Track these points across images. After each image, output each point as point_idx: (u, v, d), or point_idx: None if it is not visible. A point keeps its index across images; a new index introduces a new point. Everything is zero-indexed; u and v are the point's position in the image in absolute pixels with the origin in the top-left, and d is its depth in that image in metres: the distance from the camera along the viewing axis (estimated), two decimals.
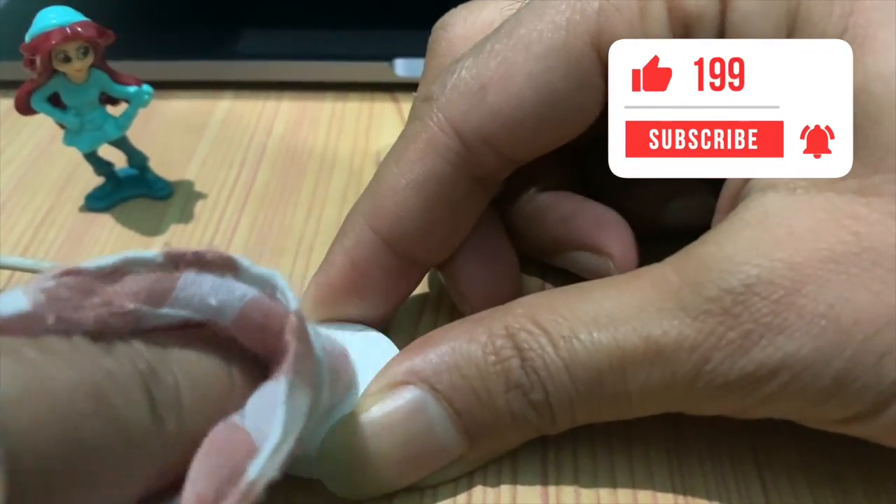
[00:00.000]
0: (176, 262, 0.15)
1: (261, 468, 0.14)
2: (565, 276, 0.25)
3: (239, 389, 0.16)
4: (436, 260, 0.22)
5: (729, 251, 0.17)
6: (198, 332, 0.16)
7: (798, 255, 0.16)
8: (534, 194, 0.24)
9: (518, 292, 0.23)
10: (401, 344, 0.22)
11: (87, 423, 0.13)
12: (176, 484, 0.15)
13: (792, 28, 0.17)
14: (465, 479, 0.20)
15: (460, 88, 0.20)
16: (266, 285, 0.16)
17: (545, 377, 0.18)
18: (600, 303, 0.18)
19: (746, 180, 0.18)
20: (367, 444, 0.18)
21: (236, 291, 0.16)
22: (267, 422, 0.15)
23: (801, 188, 0.17)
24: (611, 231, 0.23)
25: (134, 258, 0.15)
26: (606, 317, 0.17)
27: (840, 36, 0.17)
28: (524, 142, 0.20)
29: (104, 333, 0.15)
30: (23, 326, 0.14)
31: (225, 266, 0.16)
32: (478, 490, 0.19)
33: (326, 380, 0.17)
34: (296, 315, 0.15)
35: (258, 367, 0.17)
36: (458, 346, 0.18)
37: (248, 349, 0.16)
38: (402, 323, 0.24)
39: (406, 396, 0.18)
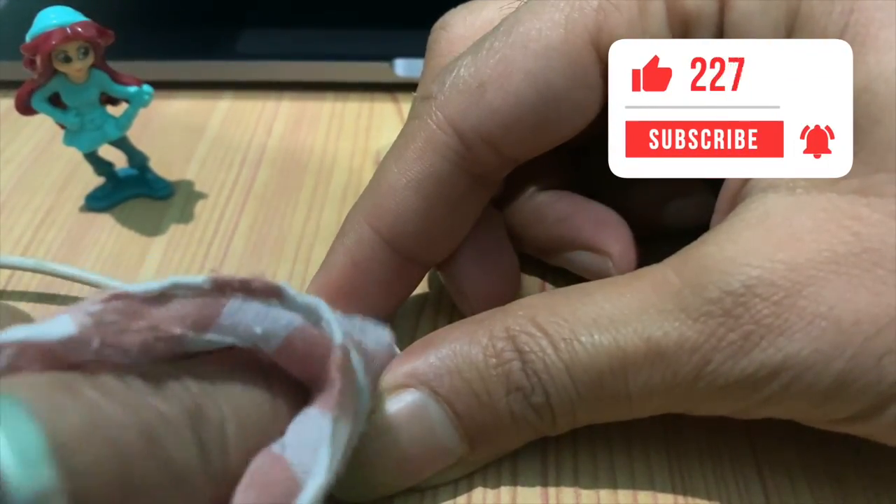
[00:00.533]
0: (222, 288, 0.15)
1: None
2: (565, 275, 0.25)
3: (282, 417, 0.16)
4: (436, 259, 0.22)
5: (730, 252, 0.17)
6: (240, 356, 0.16)
7: (799, 256, 0.16)
8: (533, 194, 0.24)
9: (518, 292, 0.23)
10: (401, 344, 0.22)
11: (140, 463, 0.13)
12: None
13: (792, 27, 0.17)
14: (465, 479, 0.20)
15: (459, 86, 0.20)
16: (311, 314, 0.16)
17: (546, 379, 0.18)
18: (601, 304, 0.18)
19: (746, 180, 0.18)
20: (369, 446, 0.18)
21: (282, 320, 0.16)
22: (310, 456, 0.15)
23: (801, 188, 0.17)
24: (610, 231, 0.23)
25: (181, 283, 0.15)
26: (607, 318, 0.17)
27: (840, 35, 0.17)
28: (523, 140, 0.20)
29: (151, 371, 0.15)
30: (72, 350, 0.14)
31: (271, 293, 0.16)
32: (478, 491, 0.19)
33: (365, 401, 0.17)
34: (341, 348, 0.15)
35: (299, 390, 0.17)
36: (459, 348, 0.18)
37: (290, 373, 0.17)
38: (402, 323, 0.24)
39: (407, 399, 0.18)
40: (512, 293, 0.23)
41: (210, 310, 0.15)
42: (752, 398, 0.17)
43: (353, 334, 0.16)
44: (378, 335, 0.20)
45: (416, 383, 0.18)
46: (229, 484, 0.15)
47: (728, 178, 0.19)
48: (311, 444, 0.15)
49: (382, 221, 0.20)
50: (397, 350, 0.21)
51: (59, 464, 0.12)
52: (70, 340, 0.14)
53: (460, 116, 0.20)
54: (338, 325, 0.16)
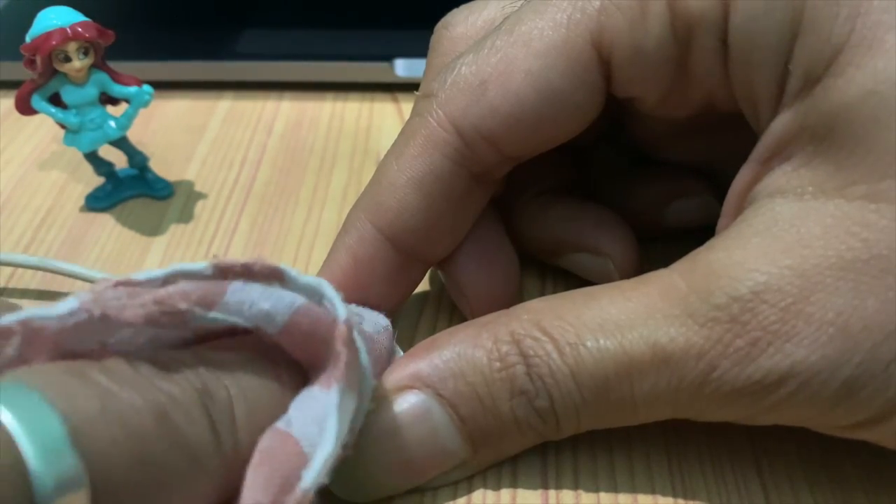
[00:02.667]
0: (224, 273, 0.16)
1: (315, 477, 0.14)
2: (565, 276, 0.25)
3: (288, 399, 0.16)
4: (437, 256, 0.22)
5: (737, 258, 0.17)
6: (245, 343, 0.17)
7: (807, 262, 0.16)
8: (535, 194, 0.24)
9: (518, 292, 0.23)
10: (401, 344, 0.22)
11: (155, 444, 0.14)
12: (232, 498, 0.15)
13: (797, 30, 0.17)
14: (466, 481, 0.20)
15: (460, 84, 0.20)
16: (313, 294, 0.16)
17: (550, 384, 0.18)
18: (607, 309, 0.18)
19: (753, 185, 0.18)
20: (371, 447, 0.18)
21: (286, 299, 0.16)
22: (316, 429, 0.15)
23: (809, 194, 0.17)
24: (611, 233, 0.23)
25: (183, 269, 0.16)
26: (613, 323, 0.17)
27: (847, 37, 0.16)
28: (523, 139, 0.20)
29: (159, 356, 0.15)
30: (77, 340, 0.15)
31: (272, 276, 0.16)
32: (478, 492, 0.19)
33: (368, 378, 0.17)
34: (346, 323, 0.15)
35: (302, 376, 0.17)
36: (463, 351, 0.18)
37: (292, 355, 0.17)
38: (402, 322, 0.24)
39: (411, 401, 0.18)
40: (512, 293, 0.23)
41: (215, 289, 0.15)
42: (758, 405, 0.17)
43: (352, 318, 0.16)
44: (375, 319, 0.20)
45: (420, 385, 0.18)
46: (240, 464, 0.15)
47: (735, 183, 0.19)
48: (318, 418, 0.15)
49: (384, 219, 0.20)
50: (399, 350, 0.21)
51: (78, 450, 0.12)
52: (71, 315, 0.14)
53: (461, 114, 0.20)
54: (341, 303, 0.16)
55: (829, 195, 0.16)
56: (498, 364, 0.18)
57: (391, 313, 0.22)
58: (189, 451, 0.14)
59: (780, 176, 0.17)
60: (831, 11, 0.16)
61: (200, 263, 0.16)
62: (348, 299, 0.21)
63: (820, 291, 0.16)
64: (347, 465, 0.18)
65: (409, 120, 0.21)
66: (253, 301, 0.16)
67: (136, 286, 0.15)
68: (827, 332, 0.16)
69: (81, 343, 0.15)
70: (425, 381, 0.18)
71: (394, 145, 0.21)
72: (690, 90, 0.20)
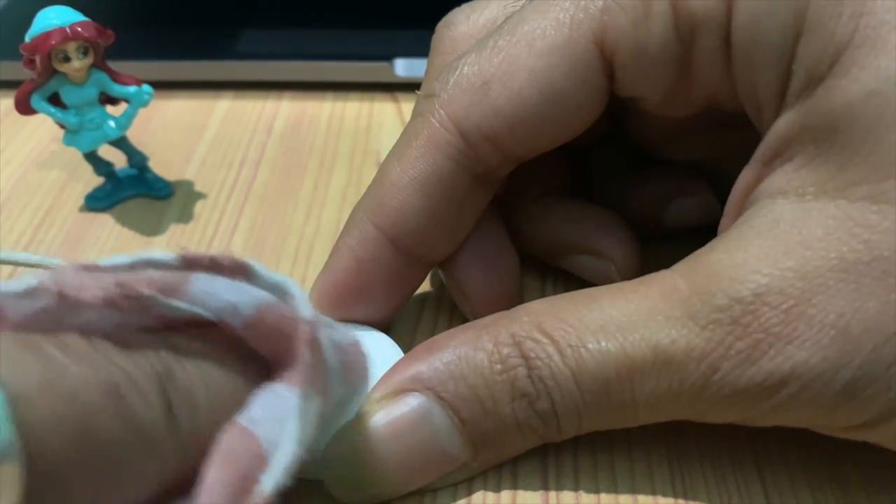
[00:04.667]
0: (191, 264, 0.15)
1: (274, 482, 0.14)
2: (566, 277, 0.25)
3: (251, 390, 0.16)
4: (439, 257, 0.22)
5: (739, 259, 0.17)
6: (208, 331, 0.16)
7: (808, 263, 0.16)
8: (536, 196, 0.24)
9: (518, 292, 0.23)
10: (401, 344, 0.22)
11: (103, 420, 0.13)
12: (188, 483, 0.15)
13: (800, 29, 0.17)
14: (466, 481, 0.20)
15: (462, 84, 0.20)
16: (279, 291, 0.16)
17: (552, 386, 0.18)
18: (608, 311, 0.18)
19: (755, 186, 0.18)
20: (371, 450, 0.18)
21: (251, 293, 0.15)
22: (278, 431, 0.15)
23: (810, 195, 0.17)
24: (612, 235, 0.23)
25: (150, 258, 0.15)
26: (614, 325, 0.17)
27: (850, 37, 0.16)
28: (525, 139, 0.20)
29: (122, 336, 0.15)
30: (37, 322, 0.14)
31: (238, 270, 0.16)
32: (478, 493, 0.19)
33: (336, 382, 0.17)
34: (309, 324, 0.15)
35: (265, 367, 0.17)
36: (464, 353, 0.18)
37: (256, 350, 0.16)
38: (402, 323, 0.24)
39: (411, 403, 0.18)
40: (512, 293, 0.23)
41: (179, 278, 0.15)
42: (760, 407, 0.17)
43: (318, 320, 0.16)
44: (344, 331, 0.19)
45: (420, 388, 0.18)
46: (198, 450, 0.15)
47: (737, 183, 0.19)
48: (278, 418, 0.15)
49: (386, 219, 0.20)
50: (400, 351, 0.21)
51: (16, 419, 0.12)
52: (28, 294, 0.14)
53: (463, 114, 0.20)
54: (306, 302, 0.15)
55: (830, 196, 0.16)
56: (499, 366, 0.18)
57: (391, 317, 0.22)
58: (141, 431, 0.14)
59: (782, 176, 0.17)
60: (835, 11, 0.16)
61: (168, 253, 0.15)
62: (350, 300, 0.21)
63: (821, 293, 0.16)
64: (347, 467, 0.18)
65: (411, 120, 0.21)
66: (217, 292, 0.15)
67: (101, 271, 0.15)
68: (828, 335, 0.16)
69: (42, 326, 0.14)
70: (425, 384, 0.18)
71: (396, 146, 0.21)
72: (693, 89, 0.20)
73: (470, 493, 0.19)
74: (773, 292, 0.16)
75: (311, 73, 0.35)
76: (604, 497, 0.19)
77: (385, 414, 0.18)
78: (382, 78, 0.35)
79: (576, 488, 0.19)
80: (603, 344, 0.17)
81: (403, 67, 0.34)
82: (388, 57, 0.34)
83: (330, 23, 0.37)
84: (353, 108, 0.34)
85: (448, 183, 0.20)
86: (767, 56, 0.17)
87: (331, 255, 0.21)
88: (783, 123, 0.17)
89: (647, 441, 0.20)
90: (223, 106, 0.35)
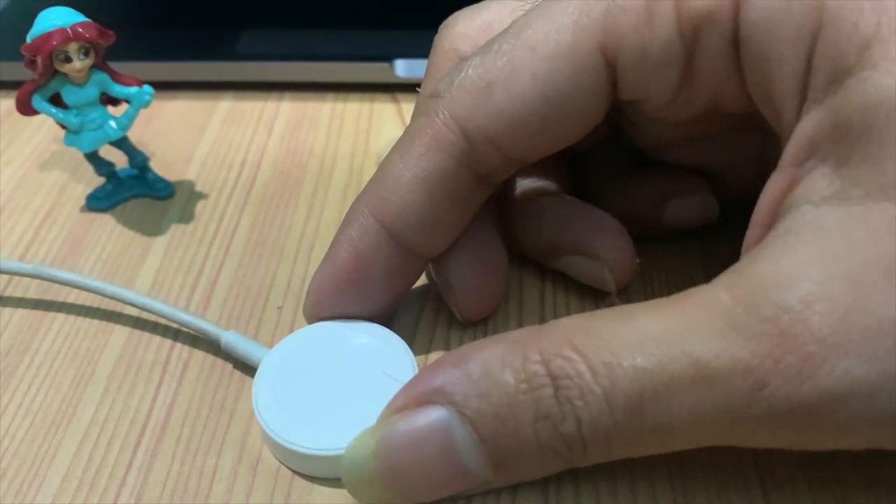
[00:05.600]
0: None
1: None
2: (563, 279, 0.25)
3: None
4: (436, 252, 0.22)
5: (784, 267, 0.16)
6: None
7: (858, 269, 0.15)
8: (532, 196, 0.24)
9: (504, 289, 0.23)
10: (406, 338, 0.22)
11: None
12: None
13: (818, 23, 0.16)
14: None
15: (466, 86, 0.20)
16: None
17: (580, 407, 0.16)
18: (645, 326, 0.16)
19: (788, 191, 0.17)
20: (390, 457, 0.18)
21: None
22: None
23: (853, 198, 0.16)
24: (606, 237, 0.23)
25: None
26: (652, 340, 0.16)
27: (875, 29, 0.16)
28: (527, 141, 0.20)
29: None
30: None
31: None
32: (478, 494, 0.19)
33: None
34: None
35: None
36: (491, 369, 0.17)
37: None
38: (402, 321, 0.24)
39: (432, 416, 0.17)
40: (498, 289, 0.23)
41: None
42: (815, 428, 0.15)
43: None
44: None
45: (443, 400, 0.17)
46: None
47: (766, 190, 0.18)
48: None
49: (387, 214, 0.20)
50: (406, 346, 0.21)
51: None
52: None
53: (467, 116, 0.20)
54: None
55: (874, 197, 0.15)
56: (524, 385, 0.17)
57: (389, 311, 0.23)
58: None
59: (819, 179, 0.16)
60: (855, 5, 0.16)
61: None
62: (349, 292, 0.21)
63: (874, 300, 0.15)
64: (366, 472, 0.18)
65: (413, 119, 0.21)
66: None
67: None
68: (884, 345, 0.14)
69: None
70: (448, 397, 0.17)
71: (398, 143, 0.21)
72: (697, 91, 0.20)
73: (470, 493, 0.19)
74: (823, 300, 0.15)
75: (311, 73, 0.35)
76: (603, 497, 0.19)
77: (406, 423, 0.18)
78: (382, 78, 0.35)
79: (576, 489, 0.19)
80: (639, 360, 0.16)
81: (403, 68, 0.34)
82: (389, 57, 0.34)
83: (330, 23, 0.37)
84: (353, 109, 0.34)
85: (450, 182, 0.20)
86: (784, 51, 0.17)
87: (330, 247, 0.21)
88: (811, 122, 0.17)
89: None
90: (224, 106, 0.35)
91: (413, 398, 0.18)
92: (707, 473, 0.20)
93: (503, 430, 0.17)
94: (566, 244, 0.23)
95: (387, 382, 0.20)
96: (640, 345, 0.16)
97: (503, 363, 0.17)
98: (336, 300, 0.22)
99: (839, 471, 0.20)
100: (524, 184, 0.24)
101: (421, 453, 0.18)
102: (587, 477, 0.20)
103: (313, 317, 0.22)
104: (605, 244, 0.23)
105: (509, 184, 0.23)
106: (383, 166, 0.21)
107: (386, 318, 0.22)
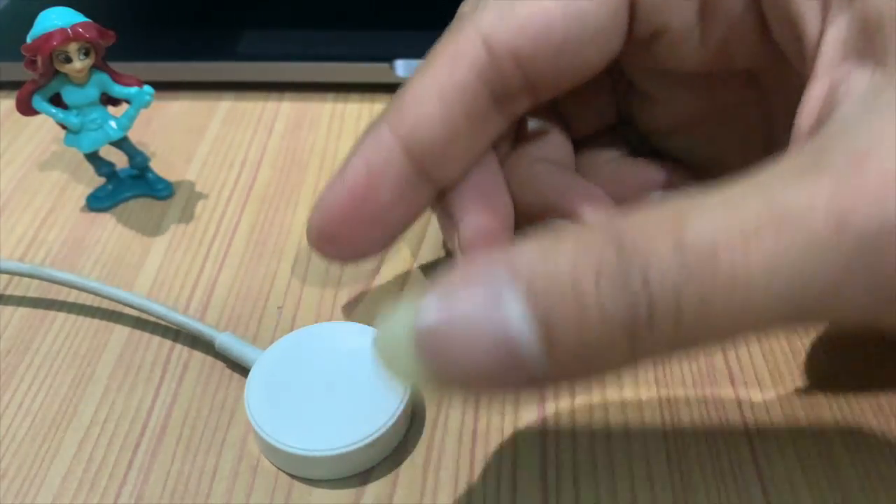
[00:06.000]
0: None
1: None
2: None
3: None
4: (445, 178, 0.22)
5: (853, 133, 0.15)
6: None
7: None
8: (533, 162, 0.24)
9: (511, 233, 0.22)
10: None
11: None
12: None
13: None
14: (465, 479, 0.20)
15: (490, 1, 0.20)
16: None
17: (646, 256, 0.14)
18: (713, 195, 0.15)
19: (830, 95, 0.17)
20: (429, 333, 0.15)
21: None
22: None
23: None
24: (596, 204, 0.23)
25: None
26: (722, 195, 0.15)
27: None
28: (548, 61, 0.20)
29: None
30: None
31: None
32: (478, 493, 0.19)
33: None
34: None
35: None
36: (548, 243, 0.15)
37: None
38: None
39: (482, 283, 0.15)
40: (504, 234, 0.22)
41: None
42: None
43: None
44: None
45: (495, 268, 0.15)
46: None
47: (807, 100, 0.17)
48: None
49: (403, 125, 0.20)
50: None
51: None
52: None
53: (490, 29, 0.20)
54: None
55: None
56: (584, 247, 0.15)
57: (395, 236, 0.21)
58: None
59: (860, 75, 0.16)
60: None
61: None
62: (358, 207, 0.20)
63: None
64: (399, 346, 0.15)
65: (440, 39, 0.21)
66: None
67: None
68: None
69: None
70: (500, 264, 0.15)
71: (423, 61, 0.21)
72: (713, 27, 0.20)
73: (470, 492, 0.19)
74: None
75: (311, 73, 0.35)
76: (603, 497, 0.19)
77: (446, 293, 0.15)
78: (383, 79, 0.35)
79: (575, 488, 0.19)
80: (708, 213, 0.14)
81: (403, 68, 0.34)
82: (389, 58, 0.34)
83: (330, 24, 0.37)
84: (353, 109, 0.35)
85: (468, 97, 0.20)
86: None
87: (344, 161, 0.21)
88: (839, 28, 0.17)
89: (646, 440, 0.20)
90: (224, 106, 0.35)
91: (459, 269, 0.15)
92: (707, 472, 0.20)
93: (560, 295, 0.14)
94: (554, 206, 0.23)
95: (379, 384, 0.20)
96: (709, 200, 0.15)
97: (561, 237, 0.15)
98: (342, 218, 0.21)
99: (839, 471, 0.20)
100: (529, 152, 0.24)
101: (465, 327, 0.15)
102: (587, 477, 0.20)
103: (317, 236, 0.21)
104: (589, 209, 0.23)
105: (512, 148, 0.24)
106: (406, 83, 0.21)
107: (383, 249, 0.22)
